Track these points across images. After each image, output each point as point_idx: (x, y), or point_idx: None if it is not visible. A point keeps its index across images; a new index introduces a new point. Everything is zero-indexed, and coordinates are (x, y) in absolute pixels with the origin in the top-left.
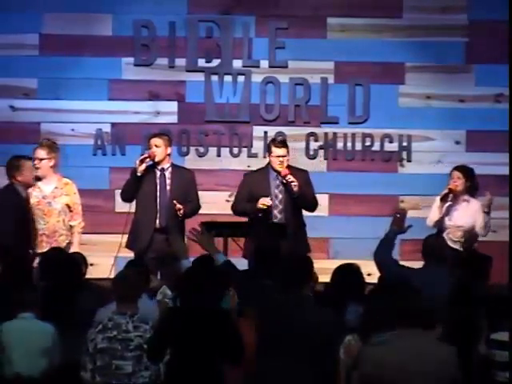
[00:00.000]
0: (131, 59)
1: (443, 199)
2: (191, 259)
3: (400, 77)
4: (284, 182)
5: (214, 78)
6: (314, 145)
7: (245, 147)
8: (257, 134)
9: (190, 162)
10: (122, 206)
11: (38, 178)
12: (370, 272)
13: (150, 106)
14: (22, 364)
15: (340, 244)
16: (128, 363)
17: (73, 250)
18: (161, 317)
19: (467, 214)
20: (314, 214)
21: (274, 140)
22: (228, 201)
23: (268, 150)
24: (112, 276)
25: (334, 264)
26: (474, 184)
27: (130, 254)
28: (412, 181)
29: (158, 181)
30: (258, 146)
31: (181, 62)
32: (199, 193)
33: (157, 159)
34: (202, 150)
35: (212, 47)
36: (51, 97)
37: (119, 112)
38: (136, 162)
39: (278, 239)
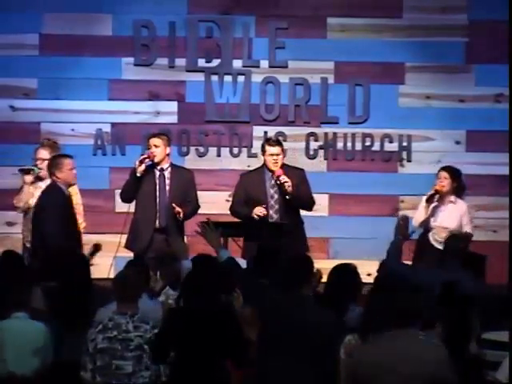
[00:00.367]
0: (131, 59)
1: (429, 200)
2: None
3: (400, 77)
4: (277, 182)
5: (214, 77)
6: (313, 145)
7: (245, 147)
8: (257, 134)
9: (190, 161)
10: (121, 206)
11: (40, 178)
12: (370, 272)
13: (150, 106)
14: (15, 363)
15: (340, 244)
16: (128, 363)
17: None
18: (164, 317)
19: (453, 215)
20: (314, 214)
21: (268, 139)
22: (228, 201)
23: (262, 149)
24: (111, 276)
25: (334, 264)
26: (460, 185)
27: (130, 254)
28: (412, 181)
29: (157, 181)
30: (258, 146)
31: (181, 61)
32: (199, 193)
33: (156, 160)
34: (202, 149)
35: (212, 47)
36: (51, 97)
37: (119, 112)
38: (136, 162)
39: (278, 239)
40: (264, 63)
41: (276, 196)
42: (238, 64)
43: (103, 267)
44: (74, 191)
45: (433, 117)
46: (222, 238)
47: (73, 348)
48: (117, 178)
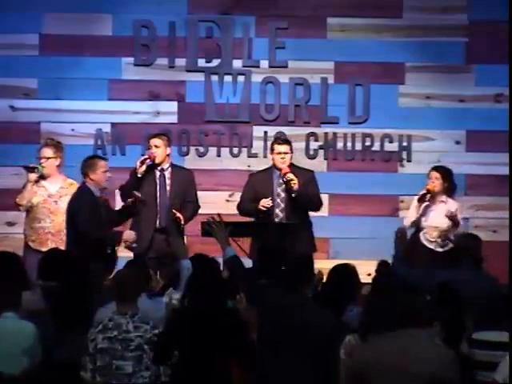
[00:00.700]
0: (131, 59)
1: (421, 200)
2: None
3: (400, 77)
4: (284, 180)
5: (214, 78)
6: (313, 145)
7: (245, 147)
8: (257, 134)
9: (190, 162)
10: None
11: (43, 177)
12: (370, 272)
13: (150, 106)
14: (2, 363)
15: (340, 244)
16: (128, 363)
17: None
18: (168, 318)
19: (443, 215)
20: (314, 214)
21: (276, 138)
22: (228, 201)
23: (271, 148)
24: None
25: (334, 264)
26: (451, 185)
27: (130, 254)
28: (412, 181)
29: (157, 181)
30: (258, 145)
31: (181, 62)
32: (199, 193)
33: (157, 160)
34: (202, 149)
35: (212, 47)
36: (51, 97)
37: (119, 112)
38: (136, 163)
39: (281, 239)
40: (264, 63)
41: (282, 194)
42: (238, 64)
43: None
44: None
45: (433, 117)
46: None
47: (71, 348)
48: (117, 178)
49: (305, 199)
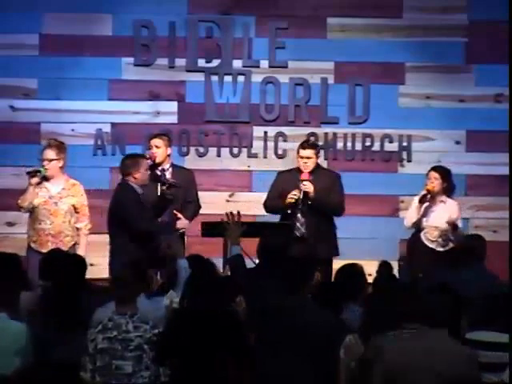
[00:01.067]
0: (131, 59)
1: (421, 200)
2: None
3: (400, 77)
4: (300, 187)
5: (214, 78)
6: None
7: (245, 147)
8: (257, 134)
9: (190, 161)
10: None
11: (46, 179)
12: (370, 272)
13: (150, 106)
14: None
15: (340, 244)
16: (128, 363)
17: (80, 252)
18: (168, 318)
19: (443, 215)
20: None
21: (303, 141)
22: (228, 201)
23: (297, 150)
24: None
25: (334, 264)
26: (450, 185)
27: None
28: (412, 181)
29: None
30: (258, 145)
31: (181, 62)
32: (199, 193)
33: (157, 160)
34: (201, 149)
35: (212, 47)
36: (51, 97)
37: (119, 112)
38: None
39: (284, 239)
40: (264, 63)
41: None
42: (238, 64)
43: (103, 267)
44: (79, 192)
45: (433, 117)
46: (223, 238)
47: (64, 348)
48: (117, 178)
49: (322, 205)
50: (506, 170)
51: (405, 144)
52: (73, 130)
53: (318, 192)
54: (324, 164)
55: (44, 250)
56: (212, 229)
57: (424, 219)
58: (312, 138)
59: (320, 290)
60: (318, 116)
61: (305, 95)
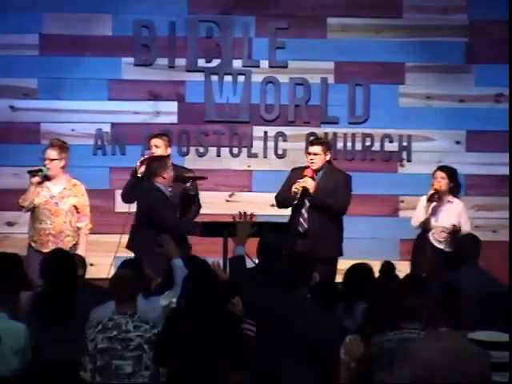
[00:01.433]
0: (131, 59)
1: (430, 199)
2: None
3: (400, 77)
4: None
5: (214, 78)
6: None
7: (245, 147)
8: (257, 134)
9: (190, 162)
10: (121, 206)
11: (48, 178)
12: None
13: (150, 106)
14: None
15: None
16: (128, 363)
17: (79, 251)
18: (166, 318)
19: (450, 215)
20: None
21: (312, 139)
22: (228, 201)
23: (306, 147)
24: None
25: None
26: (456, 184)
27: (130, 255)
28: (412, 181)
29: None
30: (258, 145)
31: (181, 61)
32: (199, 193)
33: None
34: (201, 150)
35: (212, 47)
36: (51, 97)
37: (119, 112)
38: (137, 163)
39: (282, 238)
40: (264, 63)
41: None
42: (238, 64)
43: (104, 267)
44: (80, 192)
45: (433, 117)
46: (223, 238)
47: (58, 347)
48: (117, 178)
49: (321, 203)
50: (506, 170)
51: (405, 144)
52: (73, 129)
53: (321, 190)
54: None
55: (44, 250)
56: (211, 229)
57: (433, 219)
58: (322, 135)
59: (327, 289)
60: (318, 116)
61: (305, 95)
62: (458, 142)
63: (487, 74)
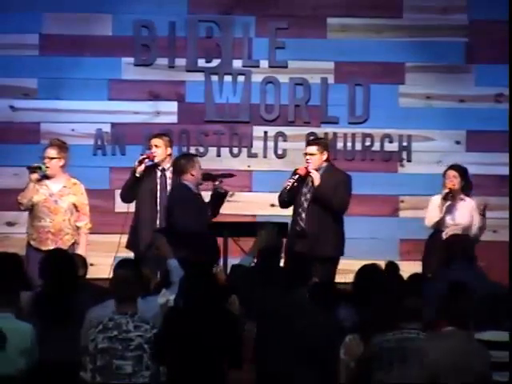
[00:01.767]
0: (131, 59)
1: (445, 198)
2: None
3: (400, 77)
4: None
5: (214, 78)
6: None
7: (245, 147)
8: (257, 134)
9: None
10: (121, 206)
11: (47, 177)
12: None
13: (150, 106)
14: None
15: None
16: (128, 363)
17: (79, 250)
18: (164, 318)
19: (464, 214)
20: None
21: (309, 139)
22: (228, 201)
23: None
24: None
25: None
26: (468, 183)
27: (130, 254)
28: (412, 181)
29: (158, 181)
30: (258, 145)
31: (181, 61)
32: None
33: (156, 160)
34: (201, 150)
35: (212, 47)
36: (51, 97)
37: (119, 112)
38: (135, 162)
39: (280, 238)
40: (264, 63)
41: (308, 195)
42: (238, 64)
43: (104, 267)
44: (80, 191)
45: (433, 117)
46: (223, 238)
47: (57, 346)
48: (117, 178)
49: (322, 197)
50: (506, 170)
51: (405, 144)
52: (73, 129)
53: (317, 189)
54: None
55: (44, 248)
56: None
57: (448, 218)
58: (321, 135)
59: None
60: (318, 116)
61: (305, 95)
62: (458, 142)
63: (487, 74)
